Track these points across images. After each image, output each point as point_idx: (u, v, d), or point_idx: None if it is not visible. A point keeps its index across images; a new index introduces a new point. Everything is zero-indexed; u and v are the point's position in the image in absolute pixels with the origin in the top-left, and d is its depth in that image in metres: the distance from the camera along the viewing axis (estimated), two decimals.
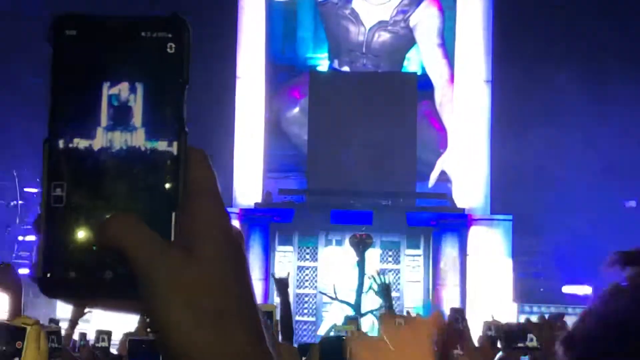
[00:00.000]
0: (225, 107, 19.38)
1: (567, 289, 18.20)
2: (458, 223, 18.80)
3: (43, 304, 13.99)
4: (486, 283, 18.35)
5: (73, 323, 6.84)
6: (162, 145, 0.87)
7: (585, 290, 16.83)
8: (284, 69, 20.49)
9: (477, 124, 19.53)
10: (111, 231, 0.85)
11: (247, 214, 18.87)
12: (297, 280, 19.01)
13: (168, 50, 0.88)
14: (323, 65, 20.46)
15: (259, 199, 19.45)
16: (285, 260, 19.03)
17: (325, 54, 20.53)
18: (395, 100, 19.28)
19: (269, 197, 19.55)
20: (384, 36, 20.29)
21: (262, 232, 18.85)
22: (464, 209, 19.01)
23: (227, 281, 0.87)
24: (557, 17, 18.67)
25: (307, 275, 19.12)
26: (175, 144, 0.88)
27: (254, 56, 19.96)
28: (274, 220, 18.83)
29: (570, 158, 17.99)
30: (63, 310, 12.73)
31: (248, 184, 19.61)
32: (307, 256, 19.09)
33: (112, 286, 0.85)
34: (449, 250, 18.78)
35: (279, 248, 19.07)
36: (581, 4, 18.72)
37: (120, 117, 0.87)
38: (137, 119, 0.87)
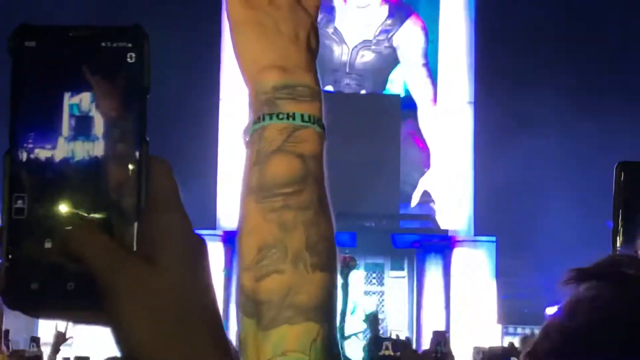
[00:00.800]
0: (208, 129, 19.33)
1: (551, 310, 18.14)
2: (442, 244, 18.76)
3: (23, 324, 13.86)
4: (470, 304, 18.29)
5: (55, 349, 6.78)
6: (123, 155, 0.87)
7: None
8: None
9: (460, 144, 19.52)
10: (72, 242, 0.85)
11: (230, 236, 18.77)
12: None
13: (128, 59, 0.88)
14: None
15: None
16: None
17: None
18: (378, 122, 19.26)
19: None
20: (367, 56, 20.28)
21: None
22: (447, 231, 18.97)
23: (189, 291, 0.87)
24: (540, 39, 18.70)
25: None
26: (136, 154, 0.87)
27: (237, 77, 19.89)
28: None
29: (554, 178, 17.97)
30: (44, 328, 12.64)
31: (231, 205, 19.53)
32: None
33: (75, 297, 0.85)
34: (433, 272, 18.72)
35: None
36: (563, 25, 18.76)
37: (82, 127, 0.87)
38: (98, 129, 0.87)
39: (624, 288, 1.09)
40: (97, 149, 0.87)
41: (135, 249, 0.86)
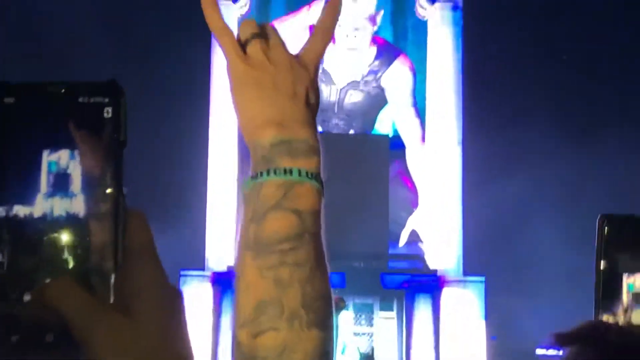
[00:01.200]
0: (197, 170, 19.32)
1: (540, 352, 18.09)
2: (431, 285, 18.72)
3: None
4: (460, 345, 18.24)
5: None
6: (99, 210, 0.88)
7: (559, 353, 16.72)
8: None
9: (449, 184, 19.55)
10: (51, 296, 0.86)
11: (219, 278, 18.71)
12: None
13: (105, 115, 0.90)
14: None
15: (231, 262, 19.29)
16: None
17: None
18: (367, 161, 19.28)
19: None
20: (356, 96, 20.34)
21: None
22: (436, 270, 18.96)
23: (165, 342, 0.88)
24: (528, 80, 18.79)
25: None
26: (113, 207, 0.89)
27: (226, 119, 19.93)
28: None
29: (542, 218, 17.98)
30: None
31: (220, 246, 19.48)
32: None
33: (54, 350, 0.87)
34: (423, 312, 18.67)
35: None
36: (551, 67, 18.86)
37: (60, 183, 0.88)
38: (76, 185, 0.88)
39: (606, 354, 1.09)
40: (75, 204, 0.88)
41: (112, 301, 0.88)
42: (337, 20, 1.29)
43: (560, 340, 1.12)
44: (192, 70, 19.10)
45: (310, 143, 1.26)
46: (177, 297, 0.92)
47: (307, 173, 1.23)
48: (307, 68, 1.34)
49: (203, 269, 19.03)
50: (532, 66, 18.79)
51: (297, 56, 1.34)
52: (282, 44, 1.30)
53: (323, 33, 1.32)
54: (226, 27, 1.29)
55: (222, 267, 19.03)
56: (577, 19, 18.96)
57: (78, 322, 0.86)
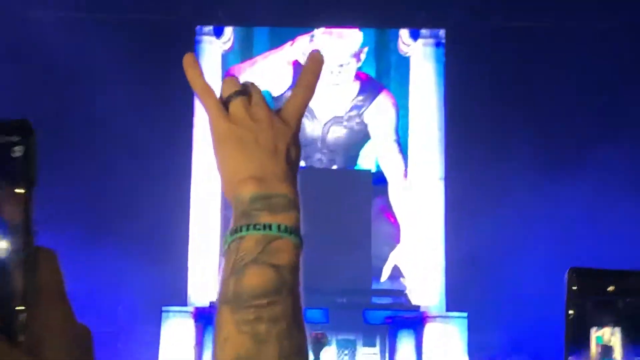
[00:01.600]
0: (179, 205, 19.28)
1: None
2: (414, 320, 18.70)
3: None
4: None
5: None
6: (7, 250, 0.86)
7: None
8: None
9: (431, 220, 19.57)
10: None
11: (201, 313, 18.64)
12: None
13: (14, 154, 0.88)
14: None
15: (214, 297, 19.21)
16: None
17: None
18: (350, 197, 19.31)
19: None
20: (339, 131, 20.38)
21: None
22: (419, 306, 18.94)
23: None
24: (512, 114, 18.86)
25: None
26: (21, 248, 0.87)
27: (208, 156, 19.94)
28: None
29: (525, 254, 17.99)
30: None
31: (202, 282, 19.42)
32: None
33: None
34: (405, 348, 18.63)
35: None
36: (535, 102, 18.94)
37: None
38: None
39: None
40: None
41: (21, 341, 0.86)
42: (320, 75, 1.30)
43: None
44: (175, 110, 19.12)
45: (290, 198, 1.28)
46: (86, 338, 0.91)
47: (286, 228, 1.25)
48: (288, 124, 1.34)
49: (185, 305, 18.95)
50: (515, 101, 18.88)
51: (278, 112, 1.34)
52: (264, 100, 1.32)
53: (305, 89, 1.33)
54: (208, 87, 1.30)
55: (204, 303, 18.95)
56: (562, 54, 19.08)
57: None
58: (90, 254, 15.26)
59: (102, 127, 18.35)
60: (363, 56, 20.30)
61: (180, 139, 19.38)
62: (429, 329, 18.68)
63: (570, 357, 1.55)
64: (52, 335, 0.87)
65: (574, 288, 1.60)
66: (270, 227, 1.24)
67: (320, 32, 20.17)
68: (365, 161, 20.55)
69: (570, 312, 1.59)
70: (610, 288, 1.60)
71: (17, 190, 0.87)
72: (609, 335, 1.59)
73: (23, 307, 0.86)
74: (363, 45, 20.30)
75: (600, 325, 1.59)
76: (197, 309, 18.72)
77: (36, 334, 0.87)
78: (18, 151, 0.87)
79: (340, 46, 20.14)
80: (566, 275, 1.61)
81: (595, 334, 1.58)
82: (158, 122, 18.84)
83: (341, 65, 20.15)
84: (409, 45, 20.35)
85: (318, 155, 20.42)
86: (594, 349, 1.55)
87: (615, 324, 1.59)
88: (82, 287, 13.89)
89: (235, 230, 1.28)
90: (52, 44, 18.52)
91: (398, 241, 19.94)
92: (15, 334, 0.86)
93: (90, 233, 16.69)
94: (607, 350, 1.58)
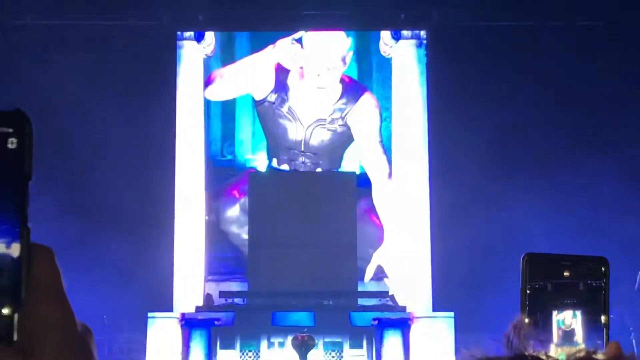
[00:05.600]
0: (164, 212, 19.24)
1: None
2: (400, 321, 18.69)
3: None
4: None
5: None
6: (2, 246, 0.85)
7: None
8: (223, 170, 20.45)
9: (417, 220, 19.59)
10: None
11: (187, 319, 18.60)
12: None
13: (9, 145, 0.86)
14: (261, 161, 20.44)
15: (200, 302, 19.21)
16: None
17: (264, 153, 20.55)
18: (334, 199, 19.30)
19: (210, 300, 19.33)
20: (322, 134, 20.37)
21: (204, 337, 18.57)
22: (405, 307, 18.94)
23: None
24: (496, 114, 18.90)
25: None
26: (16, 244, 0.85)
27: (193, 159, 19.90)
28: (214, 324, 18.57)
29: (513, 253, 18.01)
30: None
31: (189, 287, 19.39)
32: None
33: None
34: (392, 349, 18.62)
35: (221, 353, 18.76)
36: (519, 101, 18.98)
37: None
38: None
39: None
40: None
41: (15, 339, 0.85)
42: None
43: None
44: (156, 116, 19.12)
45: None
46: (85, 336, 0.90)
47: None
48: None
49: (171, 310, 18.91)
50: (498, 100, 18.92)
51: None
52: None
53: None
54: None
55: (190, 309, 18.92)
56: (544, 52, 19.13)
57: None
58: (75, 260, 15.20)
59: (82, 132, 18.30)
60: (348, 60, 20.32)
61: (163, 145, 19.35)
62: (416, 329, 18.68)
63: (531, 342, 1.55)
64: (49, 333, 0.85)
65: (531, 273, 1.60)
66: None
67: (309, 36, 20.17)
68: (349, 163, 20.55)
69: (528, 296, 1.60)
70: (566, 273, 1.61)
71: (12, 184, 0.85)
72: (570, 319, 1.60)
73: (17, 306, 0.85)
74: (350, 49, 20.33)
75: (561, 309, 1.60)
76: (183, 314, 18.69)
77: (33, 332, 0.85)
78: (13, 143, 0.85)
79: (330, 49, 20.15)
80: (522, 261, 1.62)
81: (556, 317, 1.59)
82: (140, 127, 18.80)
83: (328, 69, 20.16)
84: (390, 47, 20.37)
85: (302, 159, 20.41)
86: (555, 333, 1.55)
87: (575, 307, 1.60)
88: (66, 293, 13.83)
89: None
90: (31, 51, 18.47)
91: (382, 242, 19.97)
92: (9, 333, 0.84)
93: (75, 239, 16.63)
94: (568, 334, 1.58)
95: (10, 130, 0.85)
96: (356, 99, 20.33)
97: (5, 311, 0.84)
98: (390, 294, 19.45)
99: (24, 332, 0.85)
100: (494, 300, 17.90)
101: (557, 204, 18.37)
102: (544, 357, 1.12)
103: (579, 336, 1.59)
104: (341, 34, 20.30)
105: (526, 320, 1.56)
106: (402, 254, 19.53)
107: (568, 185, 18.50)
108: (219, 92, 20.42)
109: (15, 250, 0.85)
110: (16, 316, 0.84)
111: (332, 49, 20.19)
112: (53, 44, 18.46)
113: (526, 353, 1.09)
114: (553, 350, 1.41)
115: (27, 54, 18.33)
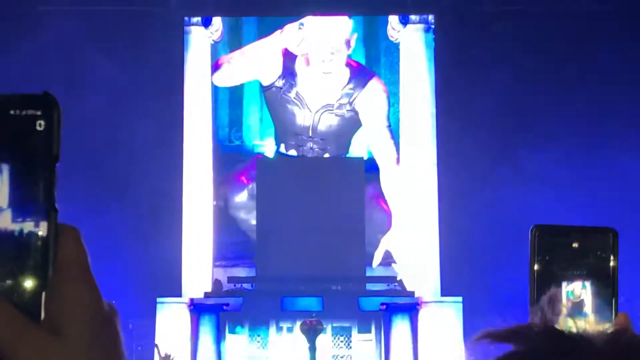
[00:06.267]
0: (172, 198, 19.27)
1: None
2: (409, 306, 18.71)
3: None
4: None
5: None
6: (30, 226, 0.86)
7: None
8: (231, 155, 20.47)
9: (425, 205, 19.58)
10: None
11: (196, 304, 18.65)
12: None
13: (37, 127, 0.87)
14: (269, 147, 20.45)
15: (208, 288, 19.25)
16: (237, 349, 18.77)
17: (271, 139, 20.55)
18: (342, 184, 19.30)
19: (219, 285, 19.37)
20: (330, 119, 20.37)
21: (212, 322, 18.61)
22: (413, 292, 18.96)
23: None
24: (503, 98, 18.87)
25: None
26: (44, 223, 0.87)
27: (200, 144, 19.91)
28: (223, 309, 18.62)
29: (521, 238, 18.02)
30: None
31: (197, 273, 19.42)
32: (258, 344, 18.86)
33: None
34: (401, 334, 18.65)
35: (229, 337, 18.82)
36: (526, 86, 18.94)
37: None
38: (2, 200, 0.86)
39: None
40: (3, 220, 0.86)
41: (42, 319, 0.86)
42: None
43: (493, 338, 1.13)
44: (164, 100, 19.12)
45: None
46: (111, 316, 0.91)
47: None
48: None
49: (180, 296, 18.96)
50: (506, 85, 18.88)
51: None
52: None
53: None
54: None
55: (198, 294, 18.96)
56: (553, 36, 19.07)
57: (4, 339, 0.84)
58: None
59: (86, 119, 18.29)
60: (353, 43, 20.29)
61: (171, 131, 19.36)
62: (424, 314, 18.70)
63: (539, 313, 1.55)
64: (76, 312, 0.87)
65: (539, 244, 1.61)
66: None
67: (310, 20, 20.15)
68: (357, 149, 20.55)
69: (537, 268, 1.60)
70: (575, 244, 1.62)
71: (40, 165, 0.87)
72: (579, 290, 1.61)
73: (44, 285, 0.86)
74: (353, 32, 20.29)
75: (571, 280, 1.61)
76: (191, 299, 18.73)
77: (58, 312, 0.86)
78: (41, 125, 0.87)
79: (331, 33, 20.13)
80: (530, 233, 1.62)
81: (566, 288, 1.60)
82: (148, 111, 18.80)
83: (332, 53, 20.14)
84: (398, 31, 20.34)
85: (310, 144, 20.41)
86: (565, 304, 1.56)
87: (585, 278, 1.61)
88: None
89: None
90: (40, 36, 18.47)
91: (390, 228, 19.98)
92: (37, 312, 0.86)
93: (85, 224, 16.65)
94: (576, 305, 1.59)
95: (39, 112, 0.87)
96: (364, 84, 20.31)
97: (33, 290, 0.86)
98: (398, 279, 19.47)
99: (51, 311, 0.86)
100: (501, 284, 17.92)
101: (566, 189, 18.35)
102: (575, 332, 1.13)
103: (588, 307, 1.60)
104: (343, 18, 20.26)
105: (558, 295, 1.57)
106: (410, 239, 19.53)
107: (577, 169, 18.48)
108: (227, 77, 20.42)
109: (43, 230, 0.86)
110: (44, 295, 0.86)
111: (333, 33, 20.15)
112: (59, 28, 18.45)
113: (558, 327, 1.10)
114: (562, 322, 1.42)
115: (36, 40, 18.33)
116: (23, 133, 0.87)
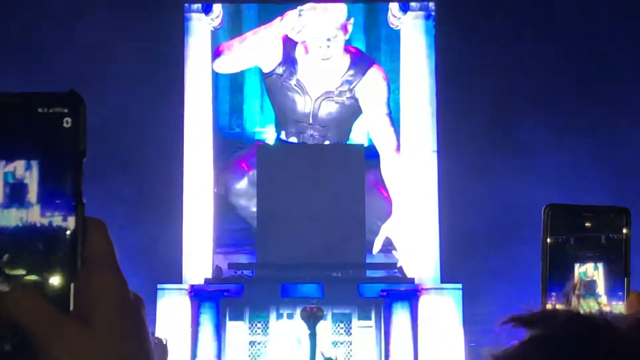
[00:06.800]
0: (173, 186, 19.28)
1: None
2: (408, 293, 18.73)
3: None
4: (438, 352, 18.25)
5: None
6: (58, 220, 0.89)
7: None
8: (232, 142, 20.47)
9: (425, 192, 19.58)
10: (8, 306, 0.87)
11: (197, 290, 18.68)
12: (249, 356, 18.79)
13: (64, 124, 0.90)
14: (269, 134, 20.46)
15: (208, 274, 19.28)
16: (237, 335, 18.81)
17: (272, 126, 20.55)
18: (343, 171, 19.30)
19: (219, 272, 19.40)
20: (330, 106, 20.36)
21: (213, 308, 18.65)
22: (413, 279, 18.97)
23: (122, 350, 0.89)
24: (503, 86, 18.87)
25: (258, 350, 18.91)
26: (72, 217, 0.89)
27: (201, 130, 19.91)
28: (224, 295, 18.65)
29: (520, 225, 18.04)
30: None
31: (197, 260, 19.44)
32: (259, 331, 18.90)
33: (12, 358, 0.87)
34: (400, 321, 18.68)
35: (230, 323, 18.86)
36: (526, 74, 18.94)
37: (16, 194, 0.89)
38: (32, 195, 0.89)
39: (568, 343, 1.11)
40: (32, 214, 0.88)
41: (71, 309, 0.88)
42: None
43: (519, 322, 1.14)
44: (165, 88, 19.11)
45: None
46: (138, 306, 0.93)
47: None
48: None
49: (180, 282, 18.99)
50: (505, 71, 18.87)
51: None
52: None
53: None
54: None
55: (199, 281, 18.99)
56: (552, 22, 19.06)
57: (36, 330, 0.87)
58: None
59: (90, 104, 18.25)
60: (350, 27, 20.26)
61: (171, 118, 19.36)
62: (424, 300, 18.73)
63: (553, 293, 1.56)
64: (104, 302, 0.89)
65: (553, 224, 1.61)
66: None
67: (306, 8, 20.12)
68: (358, 135, 20.55)
69: (549, 247, 1.60)
70: (588, 224, 1.62)
71: (67, 161, 0.89)
72: (592, 271, 1.62)
73: (73, 277, 0.88)
74: (349, 17, 20.26)
75: (583, 260, 1.61)
76: (192, 286, 18.76)
77: (86, 302, 0.88)
78: (68, 122, 0.89)
79: (326, 19, 20.09)
80: (543, 212, 1.62)
81: (578, 269, 1.61)
82: (149, 101, 18.80)
83: (329, 39, 20.11)
84: (398, 18, 20.32)
85: (310, 131, 20.41)
86: (578, 285, 1.57)
87: (597, 259, 1.62)
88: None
89: None
90: (42, 20, 18.45)
91: (390, 215, 19.98)
92: (66, 302, 0.88)
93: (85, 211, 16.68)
94: (589, 285, 1.60)
95: (66, 110, 0.89)
96: (364, 71, 20.30)
97: (62, 281, 0.88)
98: (398, 265, 19.49)
99: (80, 302, 0.88)
100: (500, 271, 17.96)
101: (566, 176, 18.35)
102: (599, 316, 1.15)
103: (600, 287, 1.61)
104: (339, 4, 20.21)
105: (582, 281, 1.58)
106: (410, 226, 19.53)
107: (577, 156, 18.47)
108: (227, 64, 20.41)
109: (71, 223, 0.89)
110: (72, 286, 0.88)
111: (328, 19, 20.11)
112: (60, 13, 18.43)
113: (581, 311, 1.12)
114: (576, 302, 1.44)
115: (35, 22, 18.32)
116: (51, 130, 0.89)
